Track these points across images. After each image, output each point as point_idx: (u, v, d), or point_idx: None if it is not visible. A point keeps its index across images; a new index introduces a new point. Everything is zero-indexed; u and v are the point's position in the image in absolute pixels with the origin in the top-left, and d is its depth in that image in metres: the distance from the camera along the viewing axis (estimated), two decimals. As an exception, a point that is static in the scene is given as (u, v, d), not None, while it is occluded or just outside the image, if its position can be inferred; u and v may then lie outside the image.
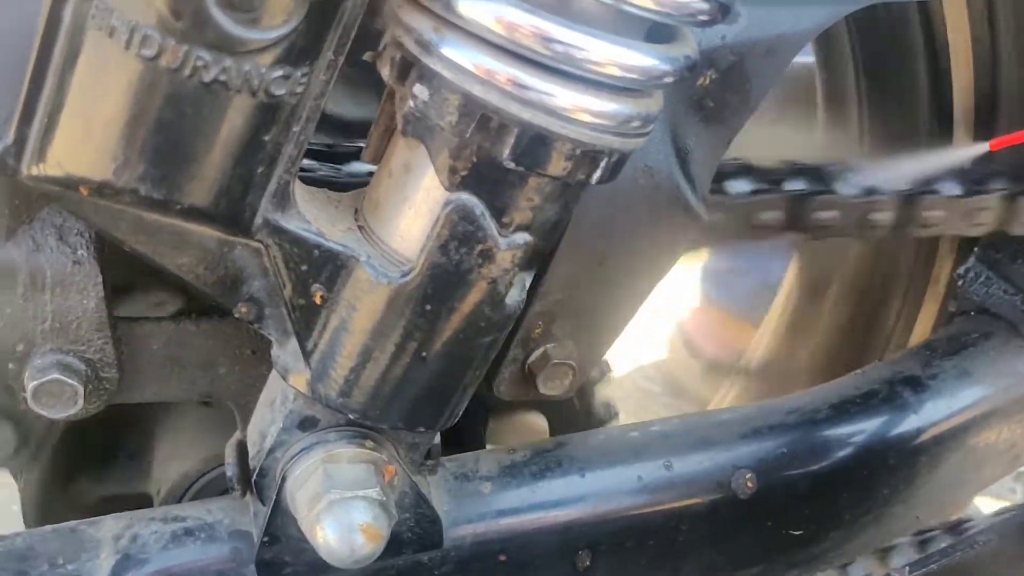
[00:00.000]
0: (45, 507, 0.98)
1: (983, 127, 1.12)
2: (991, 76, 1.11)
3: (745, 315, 1.84)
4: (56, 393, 0.70)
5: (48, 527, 0.78)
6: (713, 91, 0.75)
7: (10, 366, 0.70)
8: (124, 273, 0.73)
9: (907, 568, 0.74)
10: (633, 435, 0.88)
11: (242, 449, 0.79)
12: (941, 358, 0.99)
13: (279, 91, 0.55)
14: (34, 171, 0.57)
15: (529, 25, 0.54)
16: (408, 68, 0.58)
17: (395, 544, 0.72)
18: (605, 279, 0.79)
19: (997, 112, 1.12)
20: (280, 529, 0.73)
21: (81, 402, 0.71)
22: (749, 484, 0.86)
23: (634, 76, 0.57)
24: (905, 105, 1.19)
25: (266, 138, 0.57)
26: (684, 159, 0.77)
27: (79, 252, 0.68)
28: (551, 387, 0.82)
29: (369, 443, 0.71)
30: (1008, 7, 1.06)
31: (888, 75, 1.21)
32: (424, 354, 0.65)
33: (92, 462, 1.00)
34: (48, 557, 0.75)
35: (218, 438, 0.95)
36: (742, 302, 1.98)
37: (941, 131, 1.15)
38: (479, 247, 0.61)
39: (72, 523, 0.78)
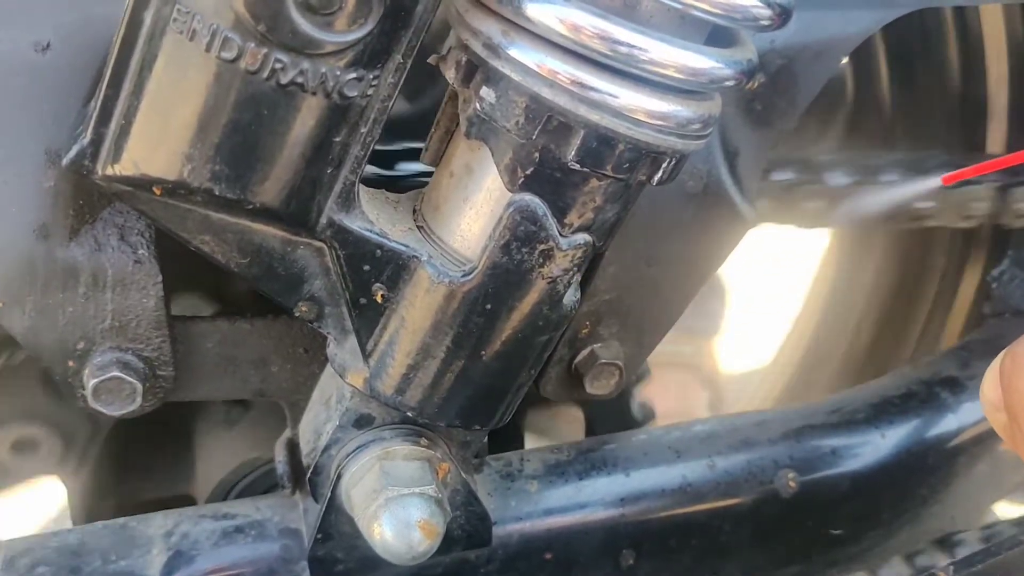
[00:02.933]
0: (93, 514, 0.99)
1: (1018, 121, 1.12)
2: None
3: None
4: (115, 390, 0.71)
5: (100, 523, 0.78)
6: (762, 94, 0.76)
7: (70, 364, 0.71)
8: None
9: (951, 567, 0.75)
10: (676, 435, 0.88)
11: (292, 447, 0.80)
12: (979, 359, 0.99)
13: (352, 93, 0.55)
14: (109, 171, 0.57)
15: (596, 28, 0.54)
16: (474, 71, 0.58)
17: (446, 541, 0.72)
18: (652, 280, 0.79)
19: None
20: (333, 526, 0.74)
21: (139, 399, 0.72)
22: (791, 484, 0.87)
23: (698, 79, 0.57)
24: (936, 100, 1.19)
25: (336, 139, 0.57)
26: (732, 161, 0.77)
27: (140, 252, 0.69)
28: (597, 387, 0.82)
29: (423, 440, 0.72)
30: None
31: (919, 68, 1.21)
32: (482, 353, 0.65)
33: (136, 467, 1.01)
34: (101, 553, 0.76)
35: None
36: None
37: (975, 126, 1.15)
38: (540, 247, 0.61)
39: (123, 520, 0.79)
